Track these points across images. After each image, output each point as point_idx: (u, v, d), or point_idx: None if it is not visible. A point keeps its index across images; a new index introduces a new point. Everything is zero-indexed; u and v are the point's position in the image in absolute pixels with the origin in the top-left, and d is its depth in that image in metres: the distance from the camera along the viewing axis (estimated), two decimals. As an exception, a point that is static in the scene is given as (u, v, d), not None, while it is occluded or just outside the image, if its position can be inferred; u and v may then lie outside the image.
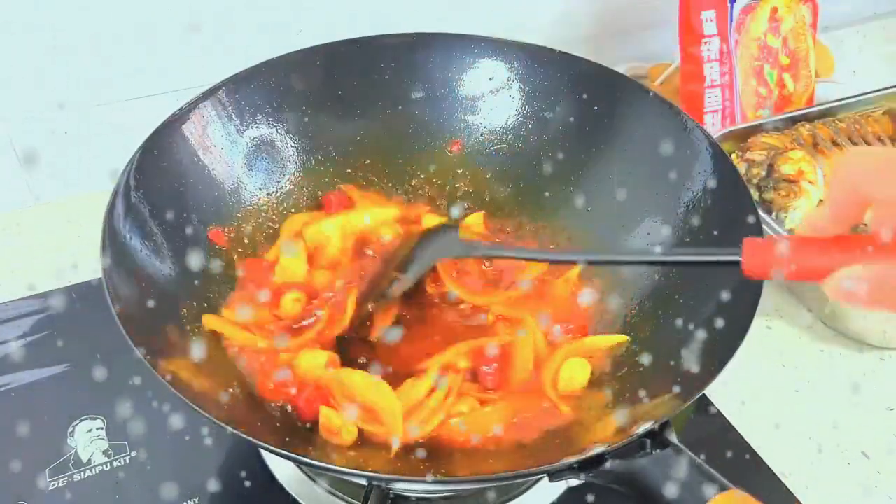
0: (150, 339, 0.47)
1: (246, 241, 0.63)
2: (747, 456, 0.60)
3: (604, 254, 0.61)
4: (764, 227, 0.53)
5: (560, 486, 0.56)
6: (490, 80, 0.70)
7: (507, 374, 0.56)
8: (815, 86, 0.92)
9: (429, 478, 0.45)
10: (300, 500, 0.56)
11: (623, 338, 0.58)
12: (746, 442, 0.60)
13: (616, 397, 0.54)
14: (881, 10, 1.11)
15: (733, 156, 0.79)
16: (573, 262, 0.61)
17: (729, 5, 0.84)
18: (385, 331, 0.58)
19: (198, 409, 0.42)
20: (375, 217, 0.64)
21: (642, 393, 0.52)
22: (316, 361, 0.54)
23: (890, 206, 0.36)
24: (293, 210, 0.66)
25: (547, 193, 0.68)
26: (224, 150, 0.63)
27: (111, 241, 0.51)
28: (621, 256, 0.62)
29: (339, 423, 0.51)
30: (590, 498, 0.54)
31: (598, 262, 0.60)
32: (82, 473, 0.57)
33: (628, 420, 0.47)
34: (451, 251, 0.60)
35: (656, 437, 0.42)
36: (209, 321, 0.56)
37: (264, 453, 0.58)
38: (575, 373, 0.55)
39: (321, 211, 0.67)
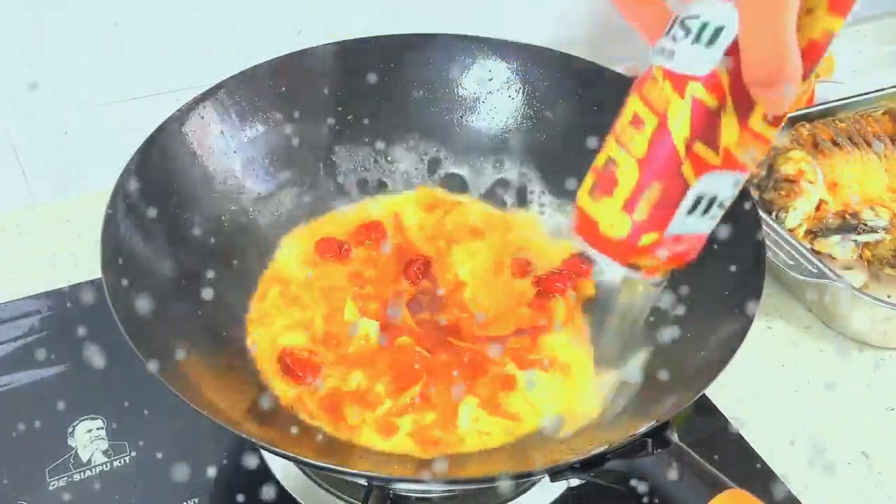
0: (150, 339, 0.47)
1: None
2: (747, 456, 0.60)
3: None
4: (764, 227, 0.53)
5: (560, 486, 0.56)
6: (490, 80, 0.70)
7: None
8: (815, 86, 0.92)
9: (429, 478, 0.45)
10: (300, 500, 0.56)
11: None
12: (746, 442, 0.60)
13: (617, 397, 0.54)
14: (881, 11, 1.11)
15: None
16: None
17: (729, 5, 0.84)
18: None
19: (198, 409, 0.42)
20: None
21: (643, 393, 0.52)
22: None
23: None
24: (292, 211, 0.66)
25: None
26: (224, 151, 0.63)
27: (111, 241, 0.51)
28: None
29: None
30: (590, 498, 0.55)
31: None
32: (82, 473, 0.57)
33: (629, 420, 0.48)
34: None
35: (657, 437, 0.42)
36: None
37: (264, 453, 0.58)
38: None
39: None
